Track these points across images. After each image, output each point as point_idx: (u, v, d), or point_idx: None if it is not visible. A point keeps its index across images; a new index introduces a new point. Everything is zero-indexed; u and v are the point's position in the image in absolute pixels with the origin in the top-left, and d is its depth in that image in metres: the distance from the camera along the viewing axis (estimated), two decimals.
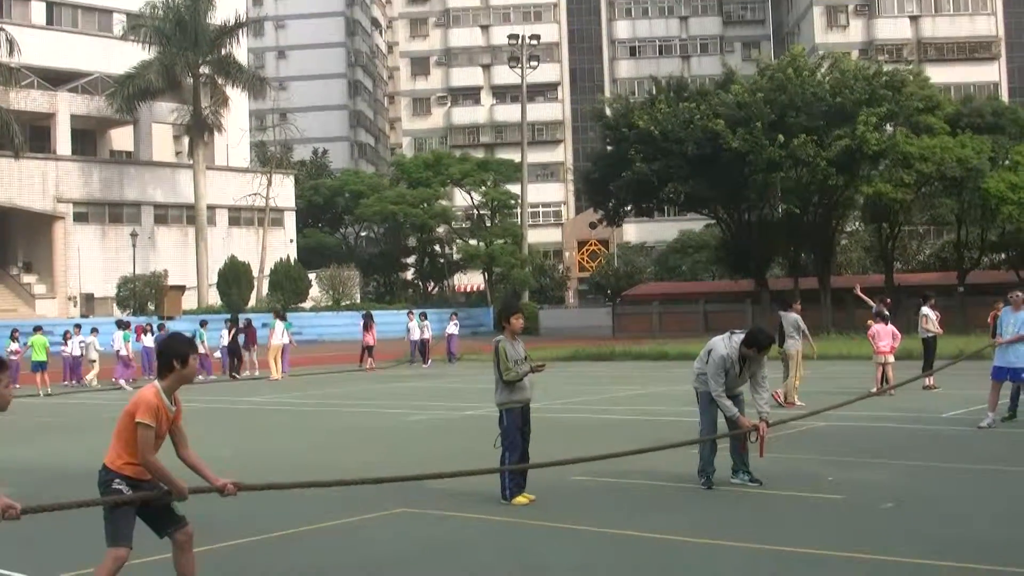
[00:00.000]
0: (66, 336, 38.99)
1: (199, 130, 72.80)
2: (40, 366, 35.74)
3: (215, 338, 41.04)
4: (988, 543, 10.15)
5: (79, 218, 73.96)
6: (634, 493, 13.36)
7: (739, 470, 13.52)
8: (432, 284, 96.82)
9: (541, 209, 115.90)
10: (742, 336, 13.12)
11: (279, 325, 39.58)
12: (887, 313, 26.33)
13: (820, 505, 12.26)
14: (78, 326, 41.97)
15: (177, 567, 8.30)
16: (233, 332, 41.08)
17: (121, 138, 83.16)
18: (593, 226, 76.26)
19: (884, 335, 25.48)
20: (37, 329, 38.01)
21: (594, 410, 23.93)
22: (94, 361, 38.40)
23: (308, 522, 11.95)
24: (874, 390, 24.03)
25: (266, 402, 29.37)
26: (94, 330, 39.60)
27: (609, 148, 67.03)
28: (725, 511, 12.21)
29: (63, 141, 76.09)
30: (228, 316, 45.34)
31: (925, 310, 26.92)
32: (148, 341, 40.21)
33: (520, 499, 12.69)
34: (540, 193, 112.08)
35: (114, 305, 68.64)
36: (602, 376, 35.07)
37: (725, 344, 13.14)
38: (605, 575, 9.58)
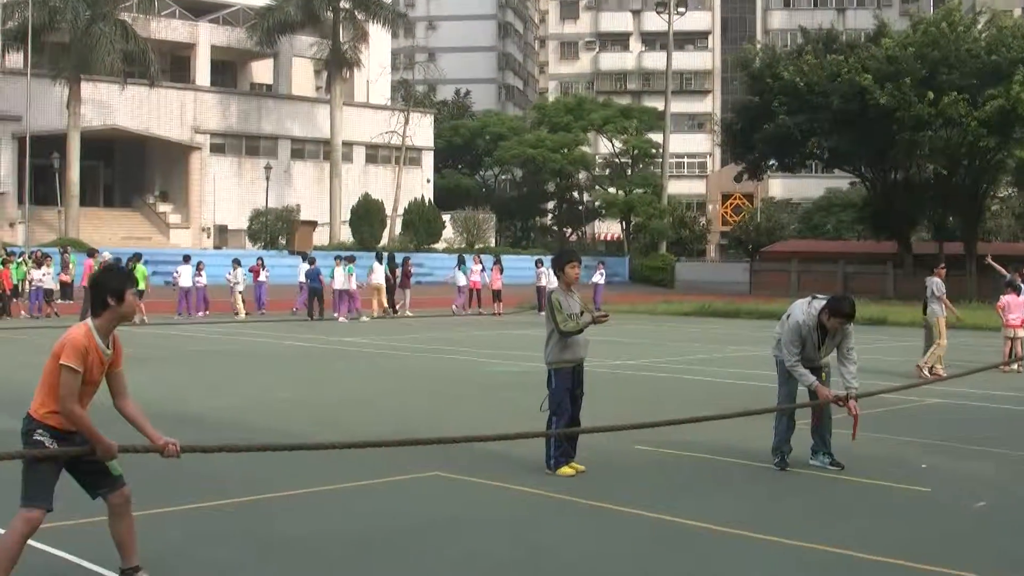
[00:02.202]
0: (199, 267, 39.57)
1: (337, 65, 72.07)
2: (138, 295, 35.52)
3: (362, 275, 40.78)
4: None
5: (215, 149, 73.74)
6: (698, 470, 12.03)
7: (819, 451, 12.07)
8: (570, 231, 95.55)
9: (686, 160, 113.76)
10: (823, 302, 11.60)
11: (339, 270, 39.03)
12: (1021, 284, 24.40)
13: (903, 498, 10.77)
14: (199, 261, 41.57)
15: (113, 533, 7.23)
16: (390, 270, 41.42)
17: (261, 71, 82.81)
18: (738, 179, 74.02)
19: (1015, 307, 23.63)
20: (138, 257, 37.44)
21: (694, 370, 22.46)
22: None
23: (329, 482, 10.86)
24: (1002, 367, 22.30)
25: (360, 343, 28.45)
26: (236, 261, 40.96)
27: (753, 99, 65.01)
28: (791, 499, 10.83)
29: (202, 72, 75.90)
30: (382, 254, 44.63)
31: None
32: (263, 277, 40.74)
33: (566, 470, 11.42)
34: (685, 144, 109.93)
35: (246, 238, 68.52)
36: (724, 334, 33.43)
37: (803, 310, 11.65)
38: (614, 569, 8.24)
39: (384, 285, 39.65)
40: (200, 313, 38.83)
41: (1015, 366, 22.85)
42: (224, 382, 19.86)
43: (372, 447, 10.77)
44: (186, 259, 39.85)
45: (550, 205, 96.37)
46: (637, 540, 9.07)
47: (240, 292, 39.36)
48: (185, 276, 38.55)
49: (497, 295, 42.59)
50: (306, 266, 39.76)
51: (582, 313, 11.57)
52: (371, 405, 16.96)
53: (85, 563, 7.88)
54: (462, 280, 43.09)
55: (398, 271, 42.20)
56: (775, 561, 8.45)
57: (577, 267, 11.78)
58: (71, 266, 41.81)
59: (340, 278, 38.93)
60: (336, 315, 38.25)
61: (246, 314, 39.23)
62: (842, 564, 8.34)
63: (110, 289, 6.98)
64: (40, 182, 65.10)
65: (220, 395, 17.77)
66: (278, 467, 11.28)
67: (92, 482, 7.13)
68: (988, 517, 10.11)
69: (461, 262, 43.70)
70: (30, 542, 7.06)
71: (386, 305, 40.83)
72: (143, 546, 7.46)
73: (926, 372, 21.10)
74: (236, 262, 40.71)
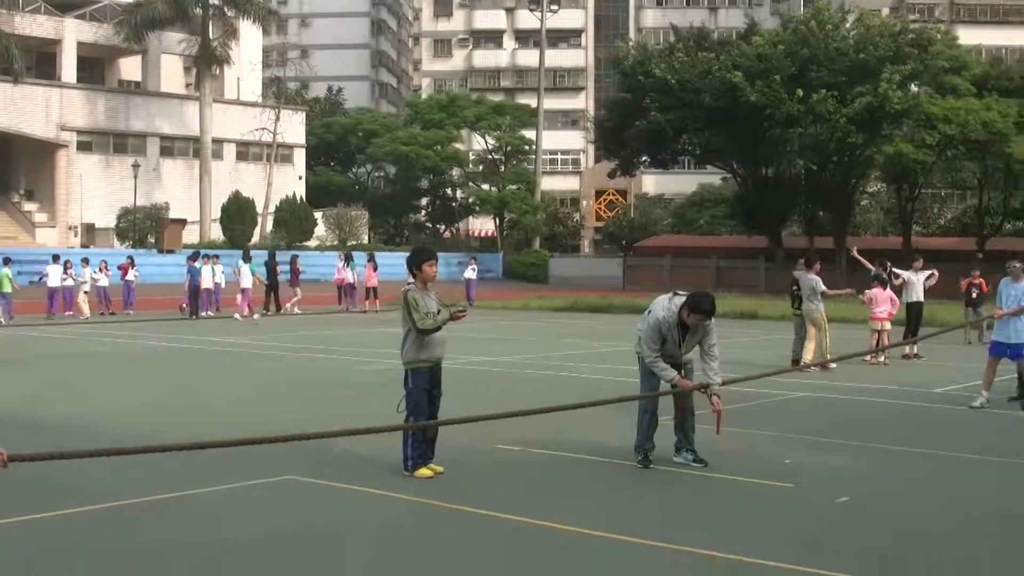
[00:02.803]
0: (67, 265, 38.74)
1: (207, 62, 71.06)
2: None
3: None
4: (937, 562, 8.50)
5: (83, 147, 72.21)
6: (560, 469, 11.83)
7: (682, 447, 11.93)
8: (443, 227, 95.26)
9: (559, 156, 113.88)
10: (684, 298, 11.43)
11: (245, 267, 39.22)
12: (886, 277, 24.64)
13: (766, 494, 10.66)
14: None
15: None
16: (272, 267, 41.40)
17: (130, 68, 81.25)
18: (611, 175, 74.42)
19: (882, 300, 23.91)
20: (6, 261, 36.66)
21: (562, 367, 22.29)
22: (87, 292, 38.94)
23: (179, 488, 10.48)
24: (867, 358, 22.49)
25: (232, 343, 27.89)
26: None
27: (625, 96, 65.31)
28: (652, 497, 10.67)
29: (69, 69, 74.17)
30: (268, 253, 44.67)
31: (907, 274, 25.32)
32: (131, 276, 40.33)
33: (424, 471, 11.14)
34: (559, 140, 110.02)
35: (114, 236, 67.24)
36: (595, 329, 33.36)
37: (663, 306, 11.47)
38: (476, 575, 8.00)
39: (250, 286, 39.27)
40: (68, 313, 38.00)
41: (882, 357, 23.05)
42: (85, 386, 19.21)
43: (217, 447, 10.35)
44: (55, 259, 38.96)
45: (423, 202, 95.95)
46: (499, 543, 8.84)
47: (86, 292, 38.61)
48: (54, 276, 37.73)
49: (373, 292, 42.27)
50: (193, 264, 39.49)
51: (439, 312, 11.28)
52: (230, 407, 16.53)
53: None
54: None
55: (279, 268, 41.92)
56: (638, 562, 8.26)
57: (434, 265, 11.48)
58: None
59: (208, 276, 38.97)
60: (235, 313, 38.35)
61: (109, 313, 38.86)
62: (704, 565, 8.16)
63: None
64: None
65: (79, 400, 17.16)
66: (128, 474, 10.89)
67: None
68: (851, 512, 10.01)
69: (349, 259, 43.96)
70: None
71: (266, 304, 40.71)
72: None
73: (813, 368, 21.00)
74: (84, 261, 40.22)
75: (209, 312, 39.25)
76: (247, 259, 40.19)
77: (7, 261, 36.60)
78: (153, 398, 17.44)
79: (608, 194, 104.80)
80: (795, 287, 22.72)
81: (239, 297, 38.85)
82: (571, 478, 11.44)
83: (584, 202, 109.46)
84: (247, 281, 38.93)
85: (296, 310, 41.04)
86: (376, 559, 8.39)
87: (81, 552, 8.47)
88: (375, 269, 42.90)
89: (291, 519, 9.56)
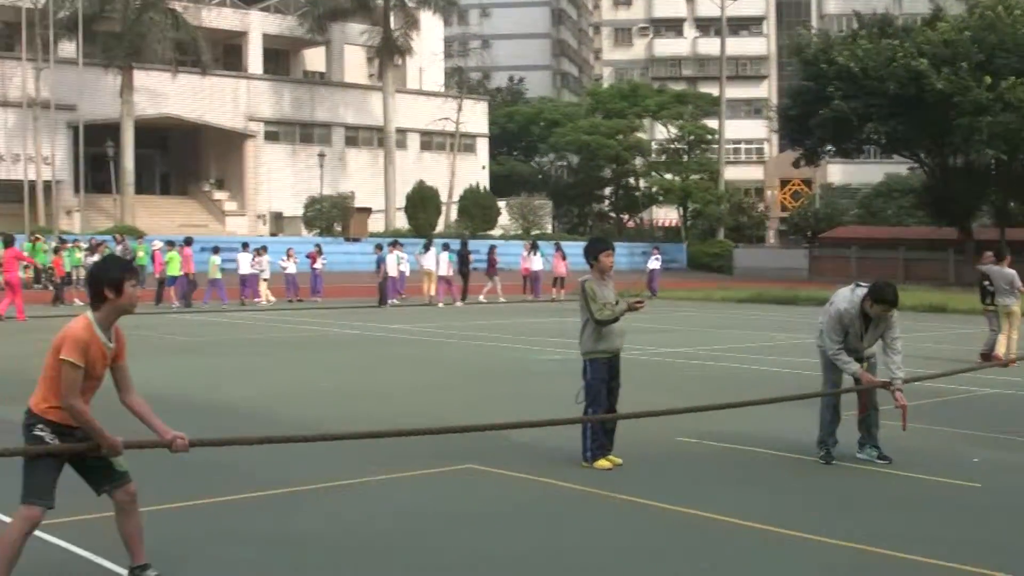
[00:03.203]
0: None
1: (389, 53, 71.97)
2: (173, 280, 37.19)
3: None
4: None
5: (270, 137, 73.90)
6: (740, 463, 11.64)
7: (866, 444, 11.66)
8: (627, 217, 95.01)
9: (743, 146, 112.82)
10: (866, 289, 11.18)
11: (444, 255, 40.19)
12: None
13: (951, 494, 10.34)
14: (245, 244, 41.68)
15: (120, 530, 6.97)
16: (465, 256, 42.20)
17: (314, 58, 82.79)
18: (796, 165, 73.46)
19: None
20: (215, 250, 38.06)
21: (744, 359, 22.00)
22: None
23: (354, 476, 10.57)
24: None
25: (417, 331, 28.16)
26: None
27: (808, 84, 64.32)
28: (835, 494, 10.40)
29: (255, 60, 76.02)
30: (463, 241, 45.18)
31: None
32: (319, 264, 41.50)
33: (602, 463, 11.08)
34: (742, 129, 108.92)
35: (302, 224, 68.59)
36: (778, 321, 32.90)
37: (846, 298, 11.24)
38: (645, 567, 7.89)
39: (434, 271, 39.85)
40: (257, 299, 38.95)
41: None
42: (267, 372, 19.61)
43: (395, 437, 10.45)
44: (244, 247, 40.08)
45: (607, 191, 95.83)
46: (669, 536, 8.72)
47: (266, 279, 39.41)
48: (243, 263, 38.73)
49: (560, 281, 42.55)
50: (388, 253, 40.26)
51: (617, 302, 11.22)
52: (409, 395, 16.66)
53: (96, 558, 7.64)
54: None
55: (471, 257, 42.78)
56: (817, 560, 8.08)
57: (611, 255, 11.41)
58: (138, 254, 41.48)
59: (393, 264, 39.62)
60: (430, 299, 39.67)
61: (297, 299, 39.71)
62: (887, 564, 7.95)
63: (110, 281, 6.71)
64: (96, 170, 65.40)
65: (259, 385, 17.50)
66: (301, 460, 11.03)
67: (96, 479, 6.87)
68: None
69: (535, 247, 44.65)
70: (40, 535, 6.82)
71: (452, 293, 41.06)
72: (155, 542, 7.23)
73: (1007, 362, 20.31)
74: (261, 249, 40.98)
75: (394, 300, 39.73)
76: (428, 248, 40.70)
77: (216, 250, 38.13)
78: (336, 384, 17.74)
79: (793, 184, 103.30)
80: (986, 282, 22.00)
81: (433, 286, 39.45)
82: (749, 472, 11.27)
83: (768, 192, 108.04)
84: (444, 268, 39.55)
85: (483, 299, 41.46)
86: (541, 547, 8.34)
87: (253, 533, 8.58)
88: (564, 258, 43.10)
89: (467, 506, 9.61)
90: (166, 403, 11.37)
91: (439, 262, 39.87)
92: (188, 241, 38.43)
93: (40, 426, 6.66)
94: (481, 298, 41.54)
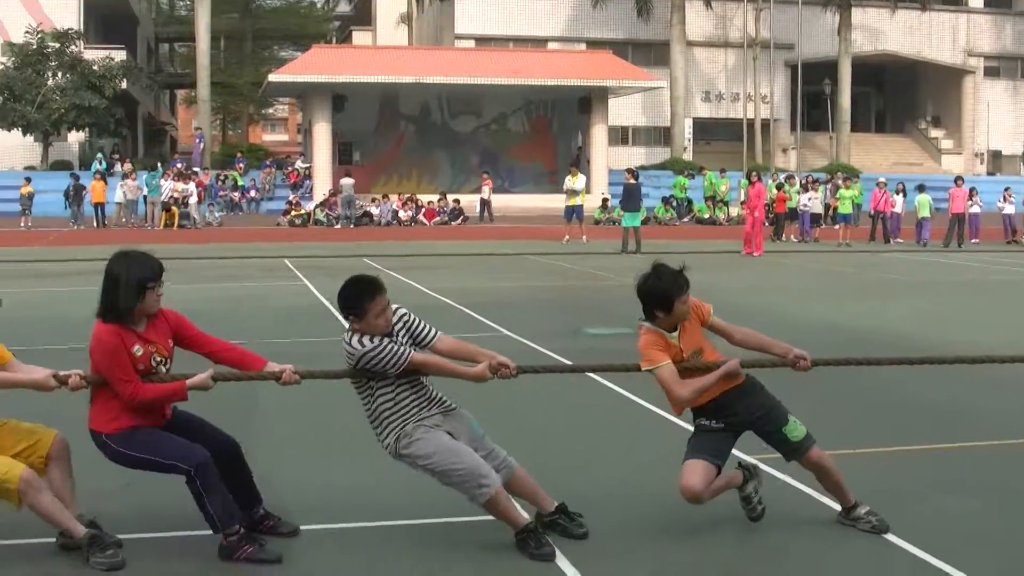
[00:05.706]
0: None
1: None
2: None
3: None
4: None
5: (989, 73, 71.39)
6: None
7: None
8: None
9: None
10: None
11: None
12: None
13: None
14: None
15: (827, 486, 6.77)
16: None
17: None
18: None
19: None
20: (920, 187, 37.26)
21: None
22: None
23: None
24: None
25: None
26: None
27: None
28: None
29: None
30: None
31: None
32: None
33: None
34: None
35: (1021, 164, 65.96)
36: None
37: None
38: None
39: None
40: (973, 240, 37.61)
41: None
42: (971, 314, 18.53)
43: None
44: (957, 181, 38.44)
45: None
46: None
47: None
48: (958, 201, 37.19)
49: None
50: None
51: None
52: None
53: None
54: None
55: None
56: None
57: None
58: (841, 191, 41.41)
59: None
60: None
61: (1013, 241, 37.74)
62: None
63: (665, 296, 6.36)
64: (812, 108, 66.22)
65: (962, 329, 16.49)
66: None
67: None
68: None
69: None
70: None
71: None
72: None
73: None
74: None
75: None
76: None
77: (921, 188, 37.29)
78: None
79: None
80: None
81: None
82: None
83: None
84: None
85: None
86: None
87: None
88: None
89: None
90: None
91: None
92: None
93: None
94: None
